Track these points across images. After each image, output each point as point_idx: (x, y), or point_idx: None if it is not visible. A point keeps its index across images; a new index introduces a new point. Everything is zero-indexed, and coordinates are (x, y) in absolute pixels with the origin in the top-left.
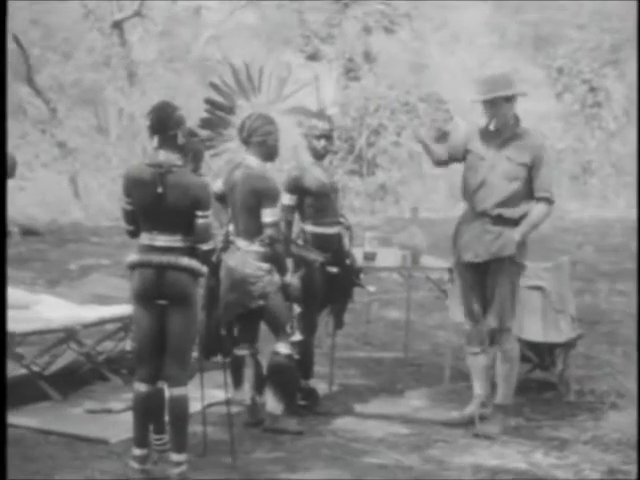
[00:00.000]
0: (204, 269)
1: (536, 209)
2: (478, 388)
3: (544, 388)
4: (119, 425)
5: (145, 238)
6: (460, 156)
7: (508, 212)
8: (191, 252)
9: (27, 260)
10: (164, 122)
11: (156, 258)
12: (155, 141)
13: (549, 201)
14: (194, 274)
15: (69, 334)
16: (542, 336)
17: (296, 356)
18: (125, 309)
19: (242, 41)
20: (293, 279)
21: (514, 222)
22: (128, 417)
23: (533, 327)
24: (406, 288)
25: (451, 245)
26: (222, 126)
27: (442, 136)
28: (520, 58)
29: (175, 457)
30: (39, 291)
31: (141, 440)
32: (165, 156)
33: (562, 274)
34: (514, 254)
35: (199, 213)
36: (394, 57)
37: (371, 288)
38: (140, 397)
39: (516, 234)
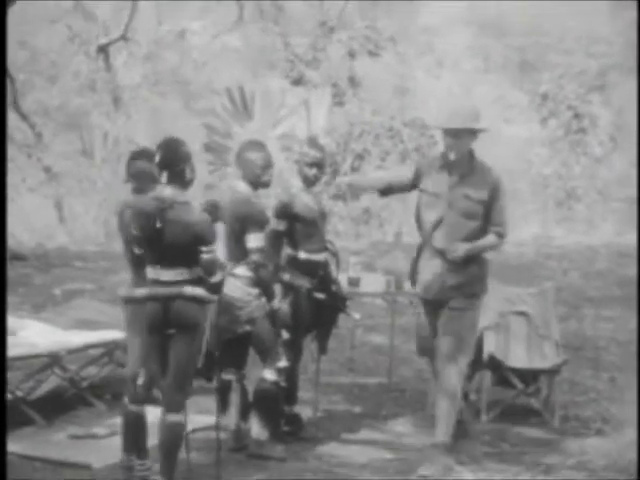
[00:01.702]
0: (212, 297)
1: (487, 238)
2: None
3: (529, 414)
4: (103, 450)
5: (150, 272)
6: (406, 189)
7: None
8: (198, 281)
9: (13, 285)
10: (171, 158)
11: (161, 291)
12: (164, 176)
13: (501, 235)
14: (201, 302)
15: (53, 359)
16: (527, 362)
17: (283, 383)
18: (109, 334)
19: (227, 65)
20: (281, 305)
21: (475, 260)
22: (112, 442)
23: (518, 353)
24: (390, 313)
25: (410, 281)
26: (221, 150)
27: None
28: (505, 83)
29: None
30: (24, 316)
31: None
32: (170, 191)
33: (546, 300)
34: (475, 292)
35: (203, 249)
36: (379, 82)
37: (356, 316)
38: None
39: (460, 248)
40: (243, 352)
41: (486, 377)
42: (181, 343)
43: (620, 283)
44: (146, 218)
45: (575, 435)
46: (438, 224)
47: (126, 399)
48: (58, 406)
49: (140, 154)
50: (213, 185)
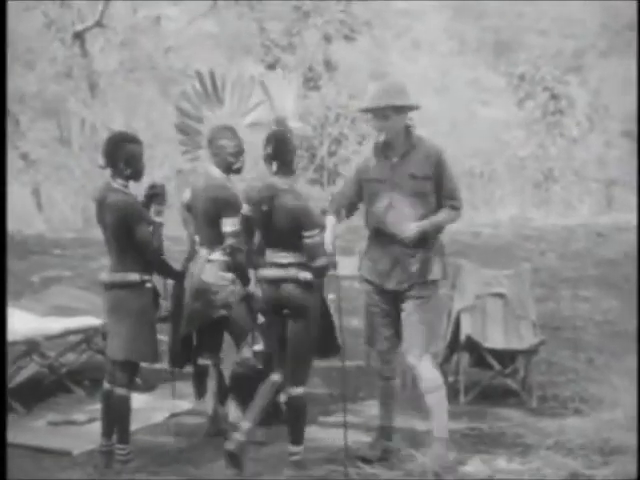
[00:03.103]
0: (318, 282)
1: (440, 213)
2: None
3: (507, 395)
4: (82, 437)
5: (267, 254)
6: (360, 197)
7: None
8: (304, 266)
9: None
10: (282, 149)
11: (273, 273)
12: (274, 166)
13: (455, 207)
14: (307, 286)
15: (32, 346)
16: (504, 343)
17: (259, 366)
18: (88, 321)
19: (202, 50)
20: (257, 289)
21: (419, 247)
22: (91, 428)
23: (495, 334)
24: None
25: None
26: (192, 134)
27: None
28: (481, 65)
29: (292, 448)
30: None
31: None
32: (277, 180)
33: (523, 281)
34: (429, 277)
35: (305, 234)
36: (354, 66)
37: (330, 296)
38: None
39: (414, 226)
40: (219, 337)
41: (464, 359)
42: (293, 324)
43: (597, 263)
44: (256, 204)
45: (553, 415)
46: (388, 209)
47: (106, 382)
48: (37, 393)
49: (128, 137)
50: (183, 170)
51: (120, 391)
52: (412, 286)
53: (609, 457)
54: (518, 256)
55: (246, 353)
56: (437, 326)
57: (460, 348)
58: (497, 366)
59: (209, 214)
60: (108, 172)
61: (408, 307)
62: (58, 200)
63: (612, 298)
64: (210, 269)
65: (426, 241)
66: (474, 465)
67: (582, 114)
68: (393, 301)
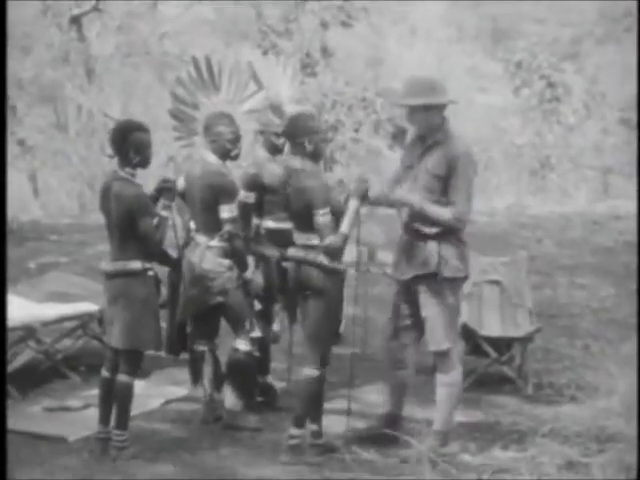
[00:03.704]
0: (335, 265)
1: (443, 209)
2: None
3: (502, 382)
4: (78, 423)
5: (294, 235)
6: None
7: (424, 227)
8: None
9: None
10: (291, 131)
11: (296, 254)
12: (287, 147)
13: (452, 214)
14: (325, 270)
15: (28, 332)
16: (500, 330)
17: (256, 353)
18: (84, 307)
19: (199, 36)
20: (255, 275)
21: (433, 237)
22: (87, 414)
23: (491, 322)
24: (363, 284)
25: None
26: (187, 120)
27: (400, 132)
28: (478, 52)
29: (292, 431)
30: None
31: (313, 416)
32: (293, 161)
33: (519, 268)
34: (438, 270)
35: (315, 212)
36: (351, 52)
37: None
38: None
39: (413, 197)
40: (215, 323)
41: (460, 346)
42: (310, 305)
43: (593, 251)
44: (279, 187)
45: (549, 403)
46: None
47: (104, 370)
48: (33, 379)
49: (135, 125)
50: (174, 157)
51: (123, 378)
52: (424, 279)
53: (605, 445)
54: (514, 244)
55: (241, 345)
56: (442, 323)
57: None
58: (493, 354)
59: (206, 201)
60: (115, 161)
61: (422, 301)
62: (54, 186)
63: (609, 285)
64: (207, 256)
65: (428, 235)
66: (469, 453)
67: (579, 101)
68: (409, 293)
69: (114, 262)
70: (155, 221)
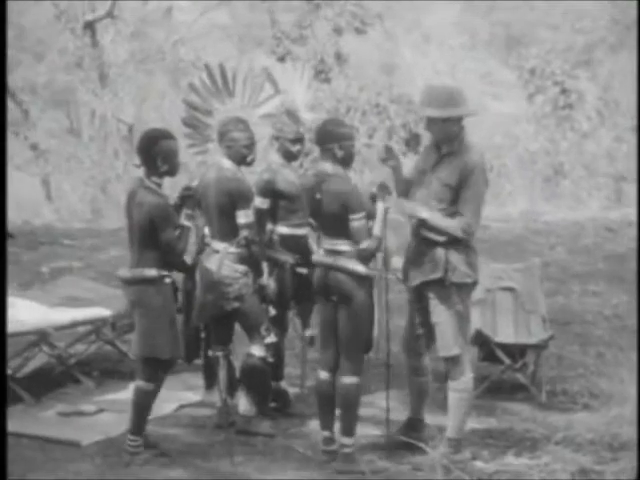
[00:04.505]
0: (367, 271)
1: (451, 219)
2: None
3: (516, 389)
4: (91, 427)
5: (322, 240)
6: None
7: (432, 235)
8: (357, 255)
9: None
10: (321, 138)
11: (325, 259)
12: (318, 153)
13: (461, 225)
14: (355, 276)
15: (41, 337)
16: (514, 337)
17: (270, 359)
18: (97, 311)
19: (214, 42)
20: (269, 281)
21: (442, 244)
22: (100, 419)
23: (505, 328)
24: (376, 290)
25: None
26: (201, 127)
27: (413, 138)
28: (492, 59)
29: (344, 440)
30: (11, 294)
31: (325, 423)
32: (324, 166)
33: (533, 275)
34: (445, 276)
35: (351, 216)
36: (365, 58)
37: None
38: (319, 383)
39: (425, 212)
40: (229, 328)
41: (473, 353)
42: (342, 312)
43: (606, 258)
44: (308, 192)
45: (562, 410)
46: (415, 201)
47: (140, 380)
48: (46, 383)
49: (163, 133)
50: (187, 164)
51: (139, 384)
52: (432, 285)
53: (618, 453)
54: (528, 250)
55: (256, 351)
56: (451, 329)
57: (469, 342)
58: (507, 360)
59: (223, 207)
60: (141, 170)
61: (431, 307)
62: (67, 191)
63: (622, 293)
64: (224, 262)
65: (437, 243)
66: (482, 459)
67: (592, 109)
68: (420, 300)
69: (132, 269)
70: (177, 232)
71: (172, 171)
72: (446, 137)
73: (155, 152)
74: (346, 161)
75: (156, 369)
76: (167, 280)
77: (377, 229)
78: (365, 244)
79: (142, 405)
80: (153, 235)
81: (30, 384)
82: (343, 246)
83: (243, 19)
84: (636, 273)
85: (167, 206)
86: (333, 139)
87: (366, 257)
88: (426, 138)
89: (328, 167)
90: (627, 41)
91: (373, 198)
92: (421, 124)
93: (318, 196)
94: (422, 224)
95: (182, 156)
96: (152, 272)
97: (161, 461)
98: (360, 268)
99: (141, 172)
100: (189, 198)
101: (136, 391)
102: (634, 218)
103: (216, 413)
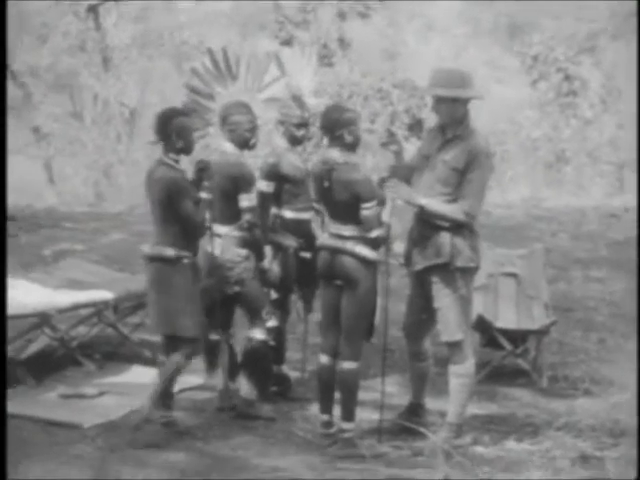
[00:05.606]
0: (373, 255)
1: (453, 204)
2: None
3: (517, 375)
4: (93, 410)
5: (329, 224)
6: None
7: (436, 219)
8: (364, 240)
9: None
10: (328, 124)
11: (330, 242)
12: (326, 140)
13: (462, 209)
14: (362, 260)
15: (43, 319)
16: (515, 323)
17: (271, 342)
18: (99, 294)
19: (217, 26)
20: (272, 265)
21: (446, 228)
22: (102, 402)
23: (507, 314)
24: (380, 275)
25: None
26: (202, 111)
27: (416, 124)
28: (495, 46)
29: (344, 425)
30: (13, 276)
31: (324, 407)
32: (333, 154)
33: (535, 261)
34: (451, 260)
35: (363, 205)
36: (368, 44)
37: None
38: (320, 368)
39: (423, 199)
40: (230, 312)
41: (474, 338)
42: (346, 296)
43: (608, 245)
44: (316, 179)
45: (563, 396)
46: (418, 186)
47: (180, 356)
48: (48, 366)
49: (178, 110)
50: (207, 146)
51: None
52: (436, 270)
53: (619, 438)
54: (530, 237)
55: (257, 334)
56: (454, 314)
57: (471, 327)
58: (508, 346)
59: (226, 190)
60: (160, 147)
61: (434, 292)
62: (70, 174)
63: (624, 279)
64: (225, 245)
65: (440, 227)
66: (483, 445)
67: (595, 95)
68: (422, 285)
69: (153, 246)
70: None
71: (187, 148)
72: (453, 119)
73: (170, 129)
74: (354, 146)
75: (176, 347)
76: (185, 261)
77: (386, 215)
78: (376, 232)
79: (166, 379)
80: (172, 209)
81: (32, 366)
82: (351, 231)
83: (246, 3)
84: (636, 260)
85: (184, 180)
86: (341, 125)
87: (377, 244)
88: (429, 123)
89: (336, 154)
90: (630, 29)
91: (382, 183)
92: (424, 109)
93: (326, 184)
94: (421, 211)
95: None
96: (170, 252)
97: (161, 444)
98: (368, 252)
99: (131, 152)
100: (205, 171)
101: (164, 365)
102: (636, 205)
103: (217, 396)
